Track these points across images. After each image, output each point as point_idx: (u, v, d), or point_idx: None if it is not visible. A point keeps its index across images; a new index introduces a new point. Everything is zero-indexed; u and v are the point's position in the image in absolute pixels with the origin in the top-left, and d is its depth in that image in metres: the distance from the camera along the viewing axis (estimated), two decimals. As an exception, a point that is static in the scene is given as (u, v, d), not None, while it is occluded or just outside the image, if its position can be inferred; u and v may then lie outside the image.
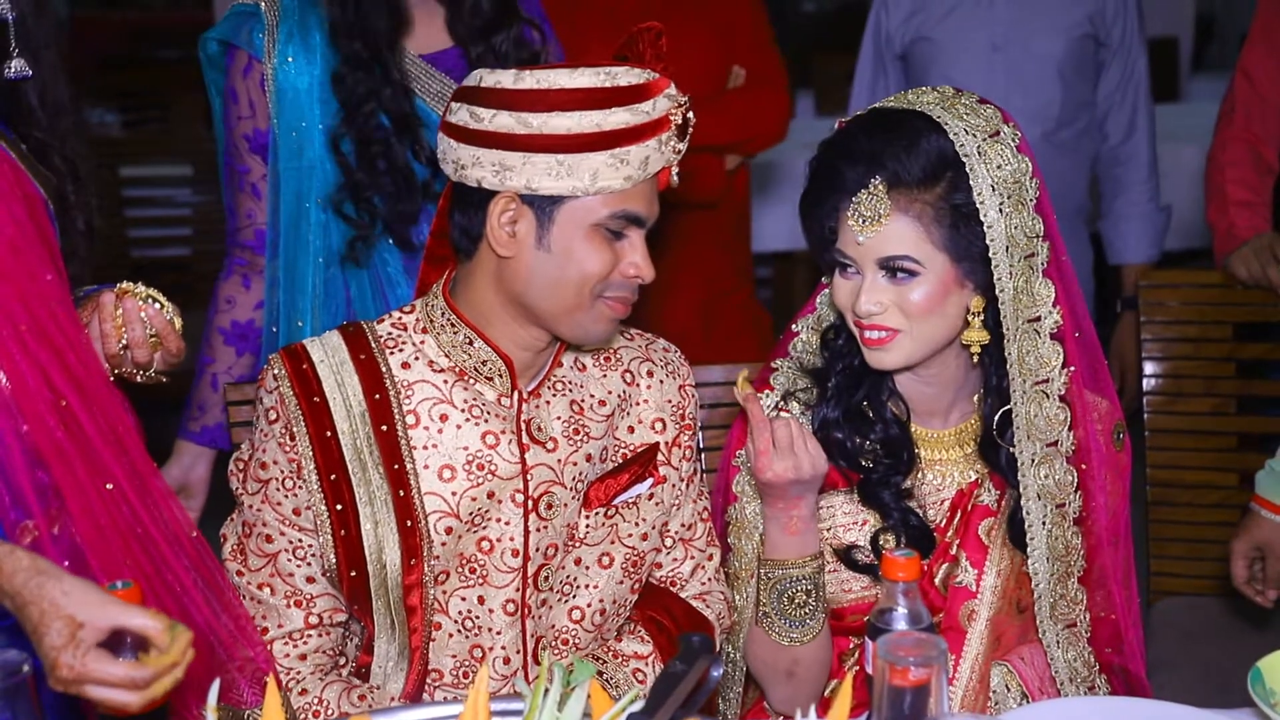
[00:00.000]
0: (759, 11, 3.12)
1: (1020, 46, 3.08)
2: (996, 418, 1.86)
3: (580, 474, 1.82)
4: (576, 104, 1.65)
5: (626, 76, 1.69)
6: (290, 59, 2.24)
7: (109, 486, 1.61)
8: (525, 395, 1.80)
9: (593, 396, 1.85)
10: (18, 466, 1.61)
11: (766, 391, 1.93)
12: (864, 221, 1.75)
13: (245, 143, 2.30)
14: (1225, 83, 2.83)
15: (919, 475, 1.89)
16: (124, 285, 1.77)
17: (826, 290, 1.94)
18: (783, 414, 1.82)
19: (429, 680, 1.82)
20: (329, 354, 1.78)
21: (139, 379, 1.80)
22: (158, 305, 1.76)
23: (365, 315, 2.29)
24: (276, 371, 1.77)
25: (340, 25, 2.21)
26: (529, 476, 1.79)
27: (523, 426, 1.79)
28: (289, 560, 1.77)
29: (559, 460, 1.80)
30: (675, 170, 1.75)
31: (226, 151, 2.35)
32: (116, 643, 1.43)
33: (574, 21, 2.77)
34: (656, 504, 1.89)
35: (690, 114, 1.74)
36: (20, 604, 1.41)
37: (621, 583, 1.87)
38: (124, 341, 1.75)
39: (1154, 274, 2.75)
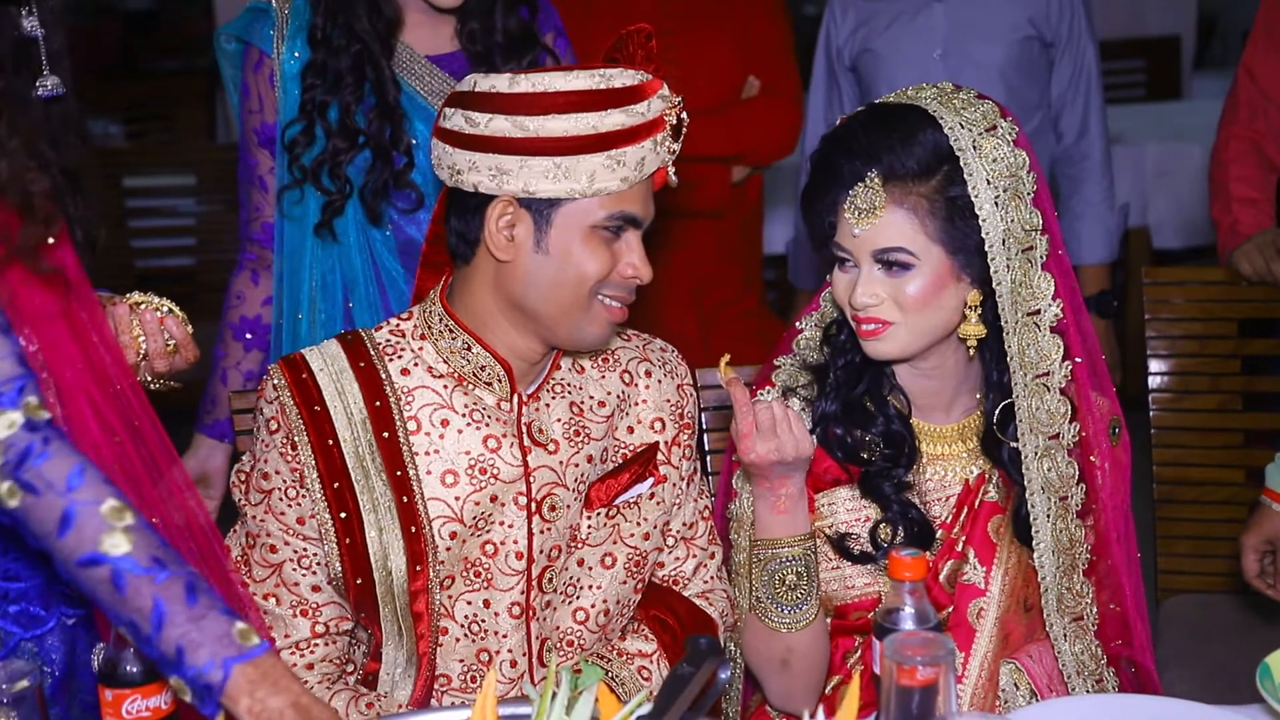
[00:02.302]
0: (779, 23, 3.11)
1: (961, 54, 3.06)
2: (997, 412, 1.87)
3: (582, 475, 1.83)
4: (572, 106, 1.66)
5: (621, 78, 1.69)
6: (297, 54, 2.28)
7: (155, 521, 1.62)
8: (525, 398, 1.81)
9: (592, 398, 1.86)
10: None
11: (768, 388, 1.93)
12: (860, 214, 1.76)
13: (255, 136, 2.35)
14: (1228, 81, 2.83)
15: (921, 470, 1.89)
16: (136, 297, 1.79)
17: (830, 288, 1.94)
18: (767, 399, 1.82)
19: (437, 685, 1.82)
20: (328, 362, 1.78)
21: (154, 387, 1.81)
22: (174, 315, 1.78)
23: (361, 305, 2.32)
24: (276, 382, 1.77)
25: (324, 28, 2.25)
26: (531, 479, 1.79)
27: (523, 429, 1.79)
28: (294, 570, 1.77)
29: (560, 462, 1.81)
30: (672, 170, 1.75)
31: (240, 146, 2.40)
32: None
33: (587, 27, 2.78)
34: (658, 503, 1.89)
35: (684, 114, 1.75)
36: (308, 704, 1.42)
37: (625, 583, 1.87)
38: (142, 352, 1.76)
39: (1158, 271, 2.75)
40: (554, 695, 1.40)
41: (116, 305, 1.78)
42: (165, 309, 1.79)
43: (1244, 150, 2.75)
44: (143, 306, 1.78)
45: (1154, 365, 2.67)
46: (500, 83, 1.69)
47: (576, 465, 1.82)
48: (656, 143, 1.71)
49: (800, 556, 1.83)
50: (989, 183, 1.74)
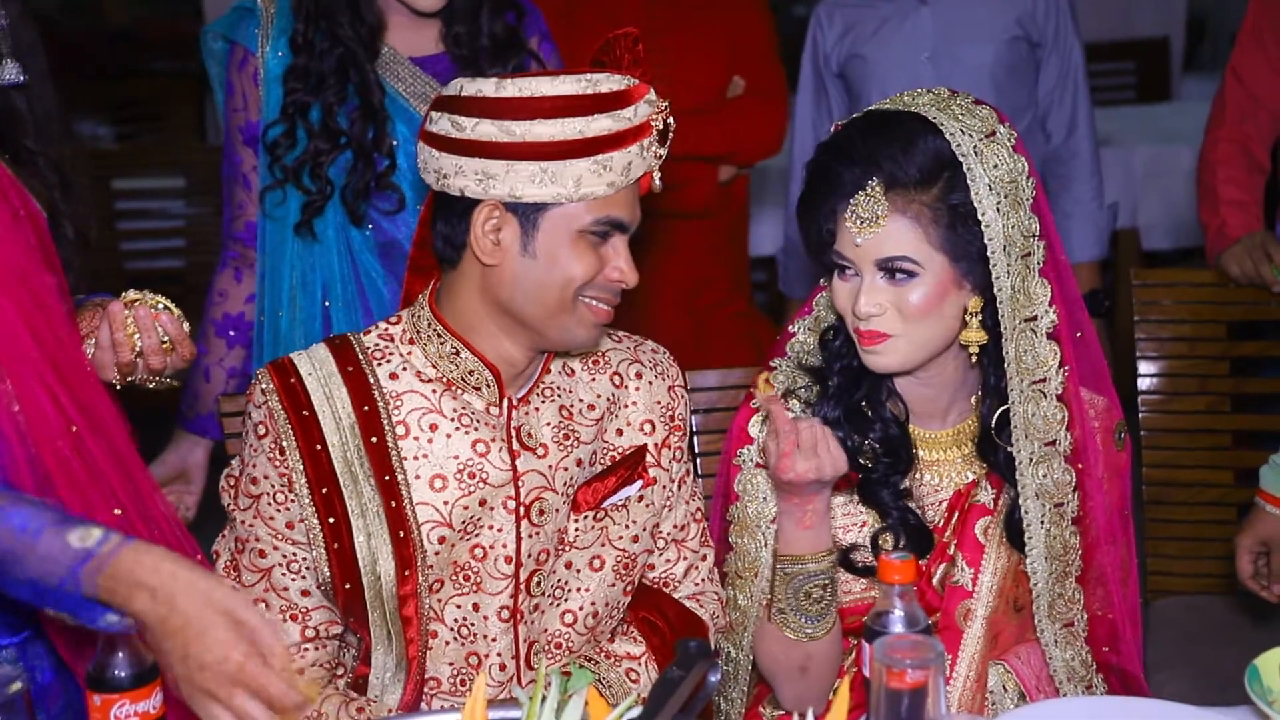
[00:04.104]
0: (764, 23, 3.13)
1: (950, 56, 3.06)
2: (995, 418, 1.86)
3: (571, 479, 1.82)
4: (559, 111, 1.66)
5: (608, 83, 1.69)
6: (281, 54, 2.28)
7: (117, 512, 1.61)
8: (515, 402, 1.81)
9: (581, 401, 1.85)
10: (30, 493, 1.61)
11: (773, 388, 1.93)
12: (862, 223, 1.75)
13: (239, 135, 2.36)
14: (1217, 83, 2.84)
15: (917, 475, 1.89)
16: (131, 294, 1.79)
17: (824, 292, 1.94)
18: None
19: (426, 688, 1.82)
20: (316, 367, 1.78)
21: (150, 385, 1.81)
22: (169, 312, 1.78)
23: (337, 304, 2.33)
24: (264, 386, 1.77)
25: (306, 33, 2.26)
26: (520, 483, 1.79)
27: (512, 434, 1.79)
28: (283, 574, 1.77)
29: (550, 466, 1.80)
30: (657, 175, 1.75)
31: (225, 144, 2.41)
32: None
33: (574, 25, 2.78)
34: (646, 506, 1.89)
35: (670, 119, 1.75)
36: (168, 595, 1.37)
37: (613, 585, 1.87)
38: (137, 349, 1.75)
39: (1148, 273, 2.75)
40: (544, 698, 1.40)
41: (111, 303, 1.77)
42: (160, 306, 1.78)
43: (1232, 152, 2.75)
44: (137, 304, 1.77)
45: (1143, 367, 2.67)
46: (487, 87, 1.69)
47: (566, 469, 1.82)
48: (643, 148, 1.71)
49: (825, 571, 1.83)
50: (991, 189, 1.73)
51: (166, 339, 1.78)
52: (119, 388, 1.79)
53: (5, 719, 1.38)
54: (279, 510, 1.76)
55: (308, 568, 1.77)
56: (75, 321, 1.76)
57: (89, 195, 1.87)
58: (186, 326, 1.80)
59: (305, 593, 1.78)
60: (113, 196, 4.76)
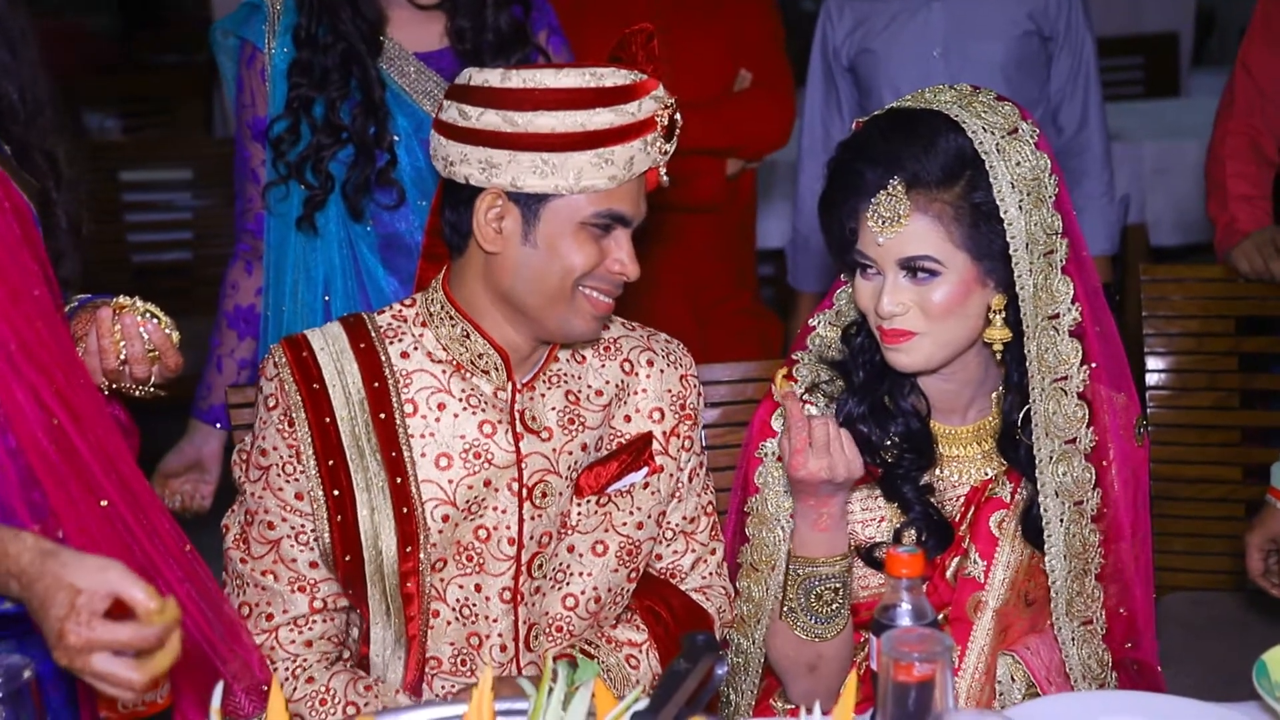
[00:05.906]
0: (770, 16, 3.11)
1: (961, 52, 3.04)
2: (1020, 415, 1.85)
3: (575, 463, 1.84)
4: (561, 104, 1.67)
5: (612, 78, 1.70)
6: (286, 49, 2.29)
7: (104, 503, 1.61)
8: (520, 387, 1.82)
9: (590, 387, 1.86)
10: (11, 486, 1.61)
11: (791, 384, 1.92)
12: (884, 223, 1.74)
13: (248, 130, 2.36)
14: (1226, 78, 2.83)
15: (936, 470, 1.89)
16: (121, 300, 1.76)
17: (844, 287, 1.93)
18: (810, 408, 1.81)
19: (428, 669, 1.82)
20: (329, 342, 1.80)
21: (137, 393, 1.79)
22: (156, 320, 1.76)
23: (338, 298, 2.34)
24: (277, 359, 1.79)
25: (309, 27, 2.26)
26: (523, 465, 1.80)
27: (516, 416, 1.80)
28: (291, 546, 1.78)
29: (554, 450, 1.81)
30: (664, 171, 1.76)
31: (236, 139, 2.42)
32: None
33: (582, 20, 2.77)
34: (652, 494, 1.89)
35: (678, 115, 1.75)
36: (27, 582, 1.41)
37: (616, 571, 1.88)
38: (122, 356, 1.74)
39: (1156, 269, 2.75)
40: (550, 690, 1.39)
41: (101, 308, 1.75)
42: (147, 314, 1.75)
43: (1240, 146, 2.74)
44: (125, 310, 1.74)
45: (1151, 363, 2.66)
46: (493, 77, 1.70)
47: (570, 453, 1.83)
48: (647, 143, 1.72)
49: (838, 575, 1.82)
50: (1013, 186, 1.72)
51: (152, 348, 1.76)
52: (105, 393, 1.77)
53: (15, 708, 1.38)
54: (288, 482, 1.77)
55: (315, 539, 1.78)
56: (63, 313, 1.74)
57: (83, 186, 1.85)
58: (176, 337, 1.76)
59: (314, 564, 1.79)
60: (120, 189, 4.76)
